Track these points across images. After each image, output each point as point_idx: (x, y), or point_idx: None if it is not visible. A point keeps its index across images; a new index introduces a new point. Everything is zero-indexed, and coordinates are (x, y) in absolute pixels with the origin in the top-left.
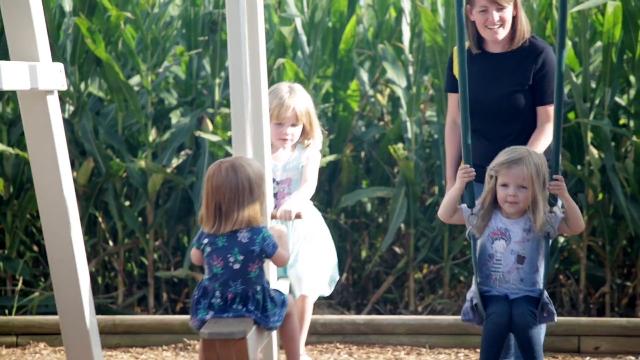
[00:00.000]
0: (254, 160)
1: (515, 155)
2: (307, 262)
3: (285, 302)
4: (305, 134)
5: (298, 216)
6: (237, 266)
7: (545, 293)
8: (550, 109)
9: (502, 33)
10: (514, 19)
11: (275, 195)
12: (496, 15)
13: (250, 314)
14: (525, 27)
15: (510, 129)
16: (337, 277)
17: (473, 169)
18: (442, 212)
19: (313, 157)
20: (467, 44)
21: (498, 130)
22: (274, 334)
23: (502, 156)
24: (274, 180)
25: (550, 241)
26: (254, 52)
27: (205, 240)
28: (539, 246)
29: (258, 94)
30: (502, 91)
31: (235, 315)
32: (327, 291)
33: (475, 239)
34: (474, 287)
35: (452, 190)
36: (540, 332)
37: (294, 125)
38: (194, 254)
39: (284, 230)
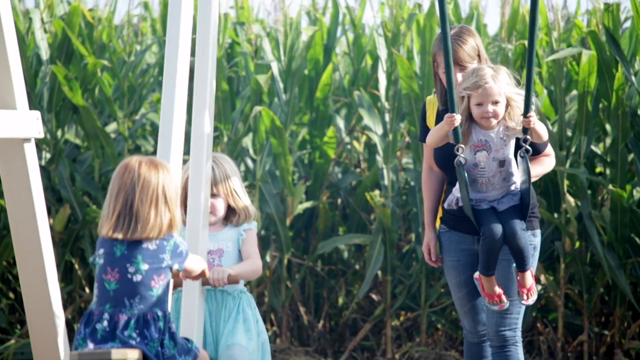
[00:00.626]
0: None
1: (483, 75)
2: (242, 345)
3: (191, 352)
4: (234, 211)
5: (233, 281)
6: (137, 278)
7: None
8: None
9: None
10: None
11: None
12: (459, 76)
13: (143, 345)
14: None
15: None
16: None
17: (459, 117)
18: (431, 142)
19: (253, 233)
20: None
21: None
22: None
23: (470, 78)
24: None
25: (528, 156)
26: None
27: (101, 251)
28: (512, 144)
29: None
30: None
31: (123, 344)
32: None
33: (463, 165)
34: (460, 189)
35: (440, 128)
36: (527, 238)
37: (213, 196)
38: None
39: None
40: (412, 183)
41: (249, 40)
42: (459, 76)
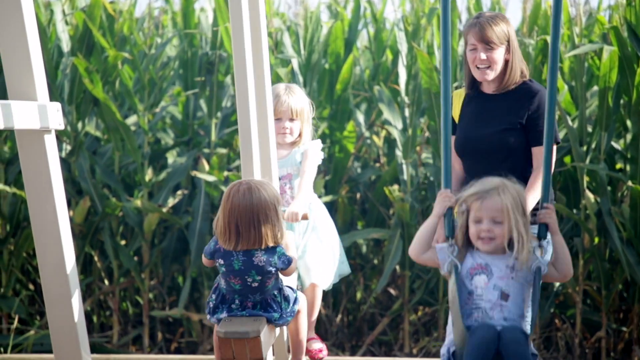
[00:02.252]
0: (270, 183)
1: (488, 186)
2: (315, 252)
3: (297, 300)
4: (301, 134)
5: (305, 217)
6: (255, 284)
7: (532, 346)
8: None
9: (491, 74)
10: (507, 62)
11: None
12: (483, 55)
13: (267, 314)
14: (517, 72)
15: (500, 169)
16: (347, 270)
17: (453, 195)
18: (414, 246)
19: (310, 150)
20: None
21: (488, 170)
22: (284, 327)
23: (473, 187)
24: None
25: (541, 281)
26: (260, 83)
27: (221, 261)
28: (525, 288)
29: (264, 114)
30: (493, 129)
31: (251, 315)
32: (334, 280)
33: (457, 270)
34: (449, 335)
35: (429, 219)
36: (529, 352)
37: (291, 120)
38: (205, 262)
39: (291, 235)
40: (432, 178)
41: (269, 33)
42: (482, 54)
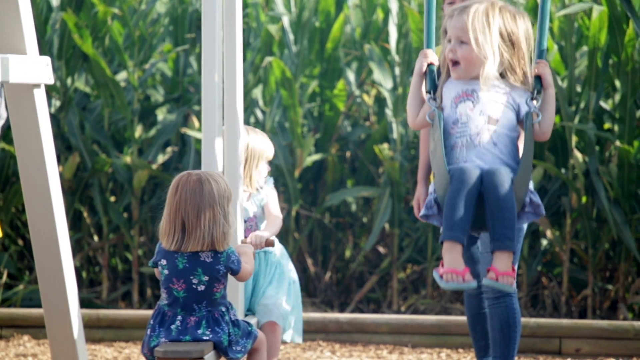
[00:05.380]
0: (223, 177)
1: (463, 4)
2: (280, 295)
3: (252, 334)
4: (251, 178)
5: (269, 243)
6: (201, 288)
7: (532, 185)
8: None
9: None
10: None
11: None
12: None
13: (214, 336)
14: None
15: None
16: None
17: (434, 55)
18: (409, 114)
19: (271, 193)
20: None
21: None
22: None
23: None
24: None
25: (533, 124)
26: (230, 56)
27: (163, 262)
28: (515, 120)
29: (233, 99)
30: None
31: (195, 339)
32: (298, 337)
33: (440, 117)
34: (432, 152)
35: (413, 78)
36: (513, 196)
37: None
38: (157, 272)
39: (251, 248)
40: None
41: None
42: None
